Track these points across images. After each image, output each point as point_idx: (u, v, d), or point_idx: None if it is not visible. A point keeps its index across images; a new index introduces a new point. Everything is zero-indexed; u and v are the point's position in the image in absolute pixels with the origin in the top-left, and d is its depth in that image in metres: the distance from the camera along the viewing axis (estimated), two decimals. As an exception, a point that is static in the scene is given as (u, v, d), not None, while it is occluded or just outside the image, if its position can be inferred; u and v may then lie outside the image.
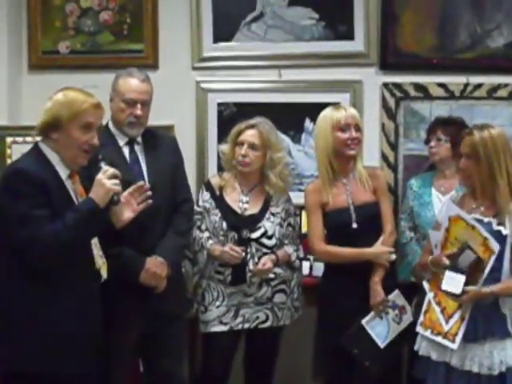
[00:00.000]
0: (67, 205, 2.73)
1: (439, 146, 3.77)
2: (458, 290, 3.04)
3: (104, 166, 2.81)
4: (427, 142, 3.96)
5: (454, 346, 3.03)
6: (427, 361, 3.12)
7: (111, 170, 2.76)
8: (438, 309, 3.16)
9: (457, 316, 3.08)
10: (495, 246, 2.95)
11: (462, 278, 3.03)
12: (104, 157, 2.88)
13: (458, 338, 3.03)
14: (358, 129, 3.47)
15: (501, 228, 3.01)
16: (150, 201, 2.96)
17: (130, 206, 2.92)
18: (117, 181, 2.77)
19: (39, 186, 2.65)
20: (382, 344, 3.39)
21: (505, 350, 3.03)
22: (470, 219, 3.03)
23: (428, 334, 3.17)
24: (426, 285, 3.26)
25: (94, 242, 2.88)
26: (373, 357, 3.39)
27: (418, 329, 3.21)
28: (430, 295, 3.23)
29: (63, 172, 2.79)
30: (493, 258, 2.97)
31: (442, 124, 3.91)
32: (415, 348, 3.18)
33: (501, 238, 2.99)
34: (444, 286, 3.09)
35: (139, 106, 3.32)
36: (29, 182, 2.68)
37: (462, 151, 3.12)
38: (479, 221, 3.05)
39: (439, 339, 3.11)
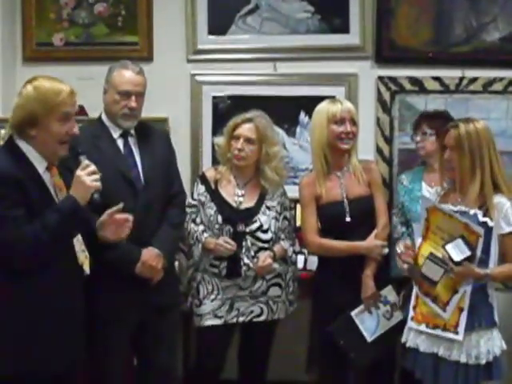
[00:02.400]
0: (45, 199, 2.67)
1: (425, 141, 3.78)
2: (436, 278, 3.08)
3: (84, 161, 2.74)
4: (413, 137, 3.96)
5: (460, 338, 3.03)
6: (415, 352, 3.15)
7: (92, 167, 2.68)
8: (427, 299, 3.15)
9: (454, 303, 3.07)
10: (479, 229, 2.96)
11: (440, 270, 3.06)
12: (84, 151, 2.81)
13: (461, 329, 3.04)
14: (354, 123, 3.47)
15: (487, 219, 3.03)
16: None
17: (109, 227, 2.85)
18: (97, 176, 2.70)
19: (12, 183, 2.57)
20: (369, 338, 3.40)
21: (491, 340, 3.07)
22: (446, 209, 3.06)
23: (423, 328, 3.17)
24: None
25: (77, 237, 2.82)
26: (359, 349, 3.40)
27: (411, 324, 3.21)
28: (416, 288, 3.22)
29: (40, 166, 2.71)
30: (481, 240, 2.97)
31: (427, 118, 3.92)
32: (402, 340, 3.20)
33: (487, 230, 3.01)
34: (424, 269, 3.11)
35: (133, 97, 3.32)
36: (1, 180, 2.60)
37: (446, 143, 3.14)
38: (464, 213, 3.07)
39: (439, 332, 3.12)
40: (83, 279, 2.83)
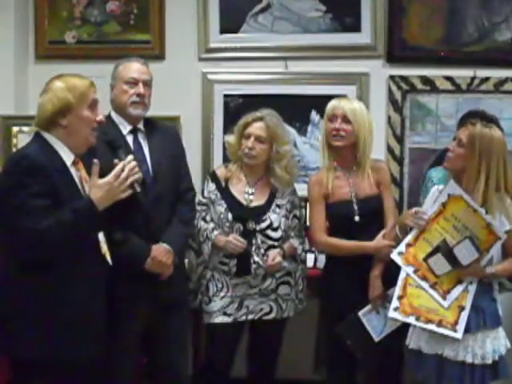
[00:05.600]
0: (73, 192, 2.73)
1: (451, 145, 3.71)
2: (439, 272, 3.07)
3: (123, 156, 2.90)
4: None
5: (459, 336, 3.02)
6: (418, 354, 3.13)
7: (125, 172, 2.76)
8: (427, 285, 3.12)
9: (455, 294, 3.06)
10: (500, 232, 2.98)
11: (448, 266, 3.06)
12: (121, 144, 2.99)
13: (461, 328, 3.01)
14: (347, 121, 3.44)
15: (486, 217, 3.04)
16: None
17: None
18: (137, 169, 2.83)
19: (41, 172, 2.64)
20: (376, 337, 3.39)
21: (497, 339, 3.08)
22: (472, 203, 3.04)
23: (412, 320, 3.12)
24: (397, 258, 3.19)
25: None
26: (366, 349, 3.40)
27: (393, 314, 3.14)
28: (407, 270, 3.16)
29: (68, 158, 2.78)
30: (498, 243, 3.00)
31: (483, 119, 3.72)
32: (406, 342, 3.17)
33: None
34: (430, 261, 3.09)
35: (141, 84, 3.36)
36: (30, 168, 2.66)
37: (458, 136, 3.15)
38: None
39: (432, 327, 3.08)
40: (107, 268, 2.88)
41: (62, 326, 2.67)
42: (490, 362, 3.04)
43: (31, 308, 2.68)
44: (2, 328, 2.75)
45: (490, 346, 3.06)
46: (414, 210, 3.20)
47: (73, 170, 2.79)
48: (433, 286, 3.11)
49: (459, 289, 3.07)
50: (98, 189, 2.69)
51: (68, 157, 2.78)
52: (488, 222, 3.00)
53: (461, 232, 3.05)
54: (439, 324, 3.07)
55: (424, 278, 3.13)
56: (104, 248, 2.86)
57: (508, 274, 3.25)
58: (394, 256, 3.20)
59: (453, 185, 3.15)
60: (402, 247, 3.20)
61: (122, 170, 2.76)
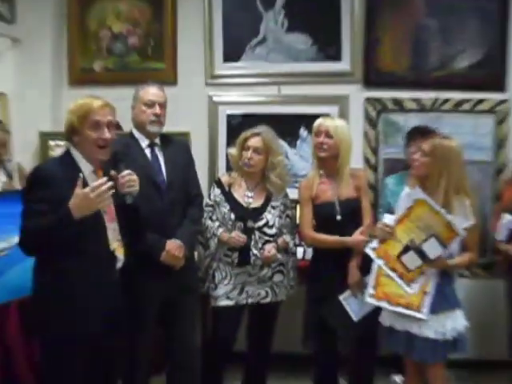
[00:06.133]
0: None
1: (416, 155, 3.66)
2: (412, 267, 3.06)
3: (122, 169, 2.80)
4: (407, 148, 3.91)
5: (424, 316, 3.02)
6: (390, 330, 3.14)
7: (133, 176, 2.73)
8: (395, 274, 3.12)
9: (419, 283, 3.05)
10: (459, 229, 2.97)
11: (419, 261, 3.05)
12: (123, 158, 2.85)
13: (426, 310, 3.02)
14: (329, 136, 3.42)
15: (449, 216, 3.02)
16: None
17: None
18: (133, 183, 2.77)
19: (48, 182, 2.60)
20: (355, 318, 3.36)
21: (456, 319, 3.07)
22: (435, 205, 3.02)
23: (384, 304, 3.14)
24: (371, 252, 3.20)
25: (113, 227, 2.80)
26: (346, 327, 3.38)
27: (370, 300, 3.17)
28: (379, 262, 3.18)
29: (86, 168, 2.72)
30: (457, 239, 2.99)
31: (420, 133, 3.80)
32: (380, 321, 3.18)
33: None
34: (404, 258, 3.07)
35: (157, 106, 3.34)
36: (39, 178, 2.64)
37: (422, 147, 3.14)
38: None
39: (401, 310, 3.09)
40: (114, 261, 2.79)
41: (76, 308, 2.65)
42: (449, 338, 3.04)
43: (52, 293, 2.66)
44: (34, 310, 2.75)
45: (450, 324, 3.05)
46: (380, 224, 3.20)
47: (92, 178, 2.71)
48: (400, 276, 3.11)
49: (423, 278, 3.06)
50: (76, 198, 2.53)
51: (86, 167, 2.73)
52: (448, 220, 2.99)
53: (425, 231, 3.03)
54: (407, 307, 3.07)
55: (393, 270, 3.13)
56: (114, 245, 2.77)
57: (466, 265, 3.26)
58: (368, 250, 3.21)
59: (417, 190, 3.13)
60: (374, 243, 3.20)
61: (106, 183, 2.57)
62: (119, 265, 2.82)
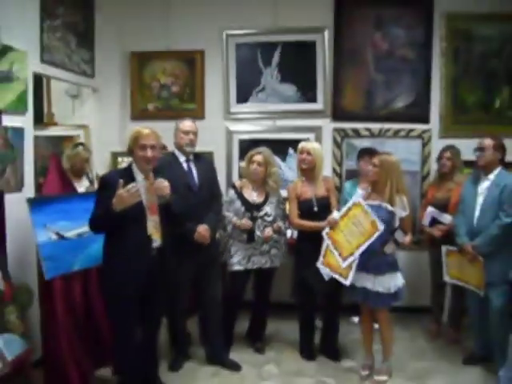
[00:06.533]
0: None
1: (368, 165, 3.53)
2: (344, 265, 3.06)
3: (158, 179, 2.72)
4: (359, 162, 3.88)
5: (347, 283, 3.02)
6: (352, 286, 3.13)
7: (135, 188, 2.53)
8: (336, 252, 3.09)
9: (348, 261, 3.02)
10: (380, 226, 2.93)
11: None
12: (161, 171, 2.79)
13: (350, 278, 3.00)
14: (309, 153, 3.38)
15: (392, 209, 3.03)
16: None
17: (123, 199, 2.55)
18: (166, 187, 2.69)
19: (108, 185, 2.57)
20: (326, 278, 3.29)
21: (396, 278, 3.08)
22: (366, 206, 3.00)
23: (328, 271, 3.12)
24: (324, 234, 3.18)
25: (154, 219, 2.71)
26: (321, 285, 3.34)
27: (319, 265, 3.16)
28: (328, 242, 3.16)
29: (139, 176, 2.70)
30: (377, 233, 2.94)
31: (367, 152, 3.84)
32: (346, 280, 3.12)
33: (391, 214, 3.02)
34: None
35: (191, 134, 3.31)
36: (103, 181, 2.65)
37: (374, 162, 3.12)
38: (379, 205, 3.05)
39: (337, 276, 3.09)
40: (150, 242, 2.71)
41: (126, 269, 2.65)
42: (392, 291, 3.05)
43: (113, 259, 2.68)
44: (103, 270, 2.75)
45: (392, 282, 3.05)
46: (329, 217, 3.19)
47: (143, 183, 2.69)
48: (340, 254, 3.09)
49: (350, 259, 3.04)
50: (116, 197, 2.50)
51: (138, 175, 2.71)
52: (374, 219, 2.95)
53: (356, 225, 3.01)
54: (340, 275, 3.07)
55: (335, 248, 3.12)
56: (150, 230, 2.70)
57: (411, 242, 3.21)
58: (323, 233, 3.20)
59: (358, 194, 3.16)
60: (327, 229, 3.20)
61: (134, 187, 2.52)
62: (156, 244, 2.75)
